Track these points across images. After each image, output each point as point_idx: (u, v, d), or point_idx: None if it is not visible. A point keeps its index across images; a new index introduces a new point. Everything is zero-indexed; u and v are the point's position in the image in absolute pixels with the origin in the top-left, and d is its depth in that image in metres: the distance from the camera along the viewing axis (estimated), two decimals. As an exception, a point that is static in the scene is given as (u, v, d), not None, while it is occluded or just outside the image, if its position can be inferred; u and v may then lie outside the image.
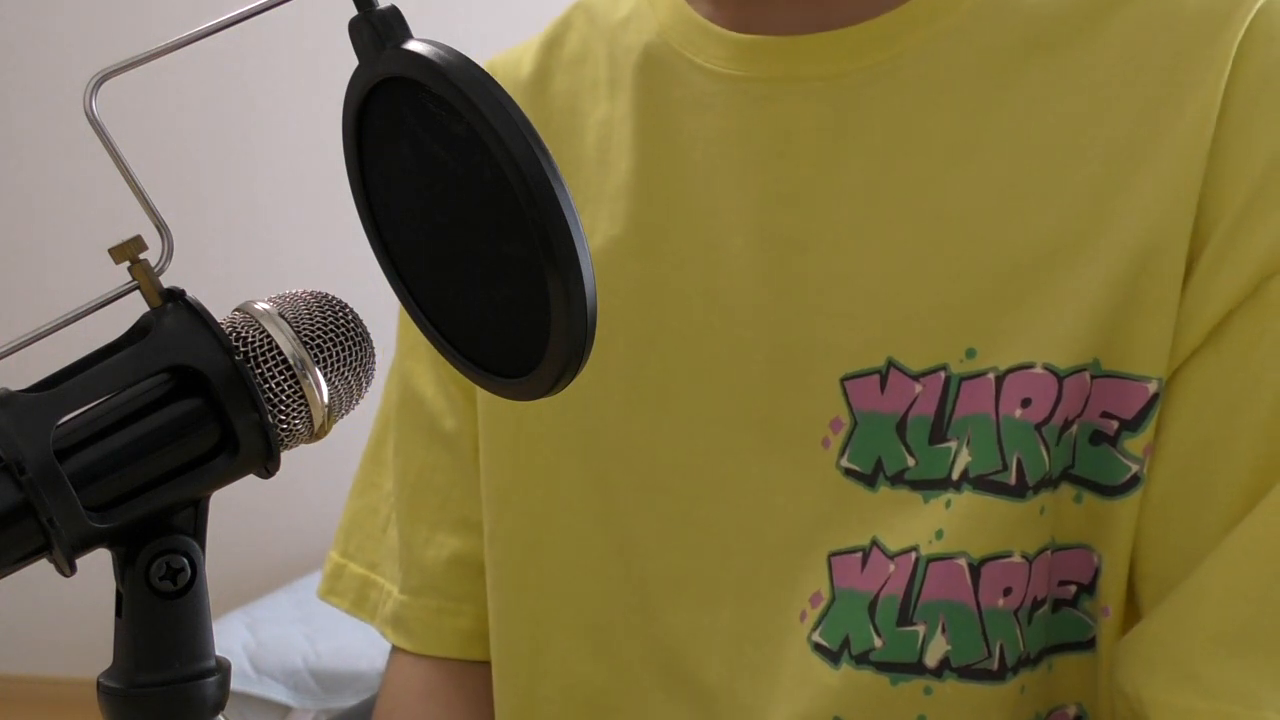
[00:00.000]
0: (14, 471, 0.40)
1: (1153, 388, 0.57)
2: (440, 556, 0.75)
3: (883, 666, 0.60)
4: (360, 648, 2.43)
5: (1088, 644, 0.62)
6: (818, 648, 0.62)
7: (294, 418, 0.44)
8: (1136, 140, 0.57)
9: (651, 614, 0.67)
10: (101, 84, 0.42)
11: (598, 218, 0.68)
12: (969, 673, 0.60)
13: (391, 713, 0.77)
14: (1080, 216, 0.58)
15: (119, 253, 0.43)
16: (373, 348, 0.46)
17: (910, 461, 0.60)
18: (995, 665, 0.60)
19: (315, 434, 0.45)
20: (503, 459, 0.70)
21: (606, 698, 0.69)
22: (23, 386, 0.42)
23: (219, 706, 0.43)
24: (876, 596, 0.61)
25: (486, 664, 0.75)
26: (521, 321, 0.41)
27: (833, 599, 0.62)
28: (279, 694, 2.43)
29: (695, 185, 0.65)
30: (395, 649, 0.78)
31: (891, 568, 0.60)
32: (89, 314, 0.43)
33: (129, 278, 0.43)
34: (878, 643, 0.60)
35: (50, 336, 0.42)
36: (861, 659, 0.61)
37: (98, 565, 0.46)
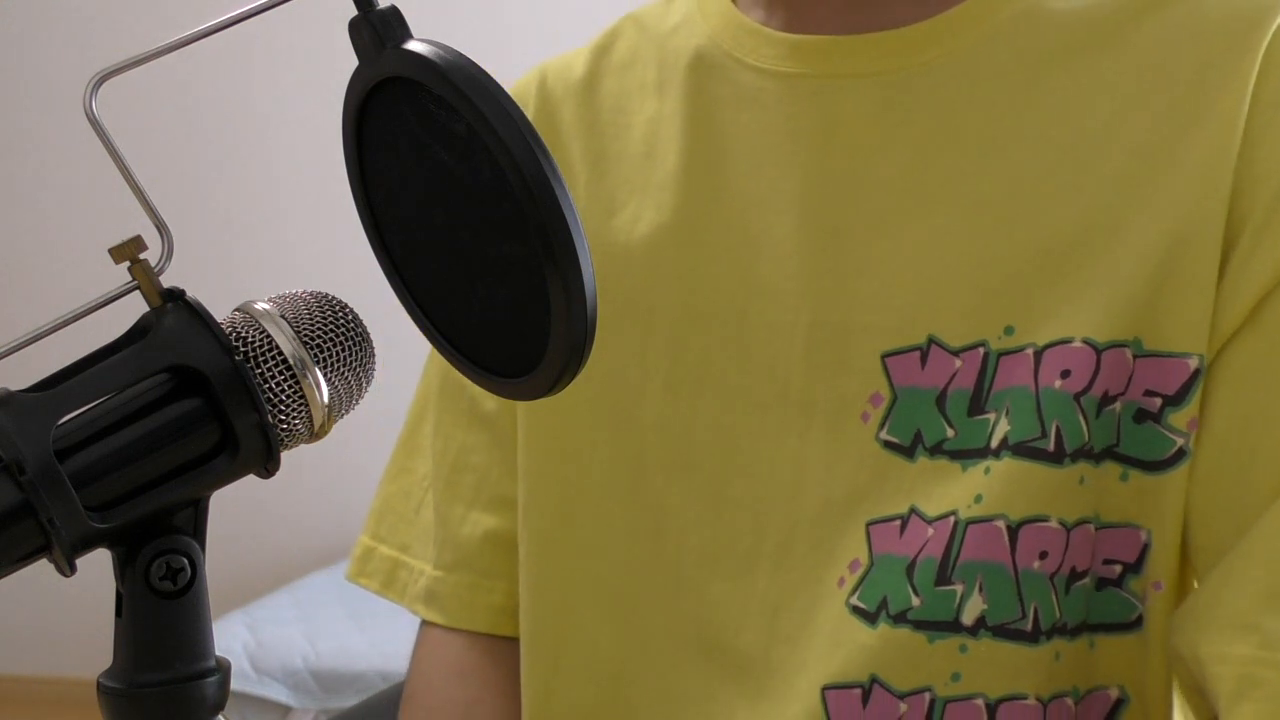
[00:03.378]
0: (14, 471, 0.40)
1: (1193, 364, 0.60)
2: (475, 534, 0.77)
3: (920, 625, 0.62)
4: (360, 648, 2.42)
5: (1133, 624, 0.63)
6: (855, 610, 0.64)
7: (294, 418, 0.44)
8: (1163, 138, 0.61)
9: (683, 588, 0.69)
10: (101, 84, 0.42)
11: (644, 206, 0.70)
12: (1003, 632, 0.62)
13: (423, 692, 0.79)
14: (1108, 206, 0.61)
15: (119, 253, 0.43)
16: (373, 348, 0.46)
17: (950, 433, 0.63)
18: (1029, 626, 0.62)
19: (315, 434, 0.45)
20: (540, 434, 0.72)
21: (629, 669, 0.70)
22: (23, 386, 0.42)
23: (219, 706, 0.44)
24: (915, 559, 0.63)
25: (517, 640, 0.76)
26: (521, 321, 0.41)
27: (871, 564, 0.64)
28: (279, 694, 2.43)
29: (741, 174, 0.68)
30: (425, 625, 0.80)
31: (930, 532, 0.62)
32: (89, 314, 0.43)
33: (129, 278, 0.43)
34: (915, 602, 0.62)
35: (50, 336, 0.42)
36: (899, 618, 0.62)
37: (98, 565, 0.46)
